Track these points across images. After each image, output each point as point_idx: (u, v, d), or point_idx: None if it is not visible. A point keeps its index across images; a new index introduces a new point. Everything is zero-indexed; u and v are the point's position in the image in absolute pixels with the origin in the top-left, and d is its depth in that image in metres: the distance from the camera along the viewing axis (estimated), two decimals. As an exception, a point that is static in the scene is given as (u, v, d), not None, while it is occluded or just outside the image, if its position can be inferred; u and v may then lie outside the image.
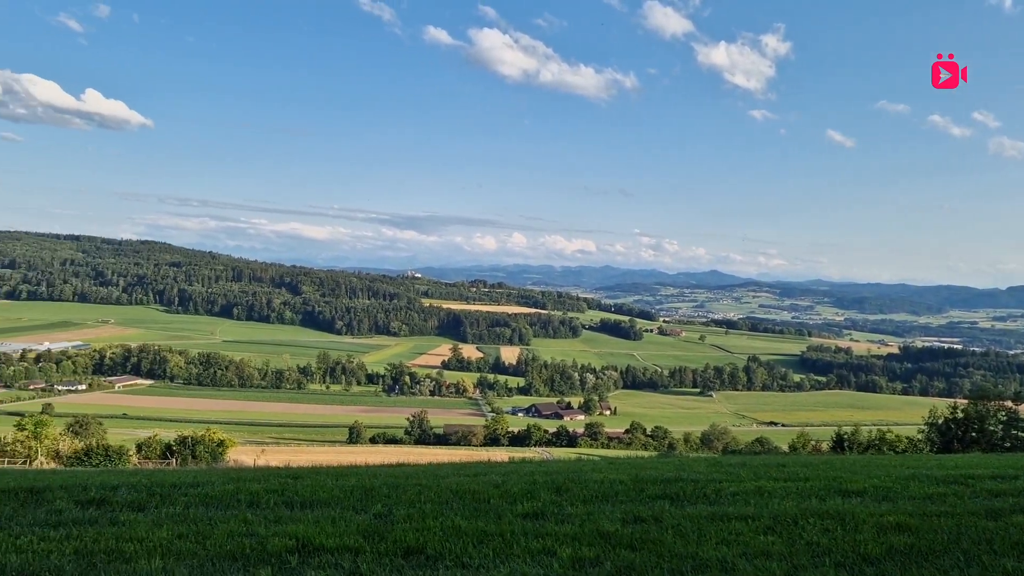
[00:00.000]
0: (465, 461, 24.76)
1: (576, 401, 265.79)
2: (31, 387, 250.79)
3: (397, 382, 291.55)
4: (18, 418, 69.58)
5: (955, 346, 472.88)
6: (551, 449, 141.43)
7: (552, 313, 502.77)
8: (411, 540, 8.19)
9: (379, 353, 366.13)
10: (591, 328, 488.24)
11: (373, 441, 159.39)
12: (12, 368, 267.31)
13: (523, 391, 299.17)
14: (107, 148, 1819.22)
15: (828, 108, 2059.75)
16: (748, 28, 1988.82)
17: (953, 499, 11.38)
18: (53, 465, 50.78)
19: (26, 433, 58.40)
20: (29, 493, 11.69)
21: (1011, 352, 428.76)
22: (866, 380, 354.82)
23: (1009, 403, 45.06)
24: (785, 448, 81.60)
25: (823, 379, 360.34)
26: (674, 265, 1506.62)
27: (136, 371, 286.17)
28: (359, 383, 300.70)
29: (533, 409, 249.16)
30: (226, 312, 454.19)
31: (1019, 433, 42.37)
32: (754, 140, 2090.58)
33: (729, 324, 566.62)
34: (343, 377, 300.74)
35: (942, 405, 47.20)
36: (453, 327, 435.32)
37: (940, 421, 44.86)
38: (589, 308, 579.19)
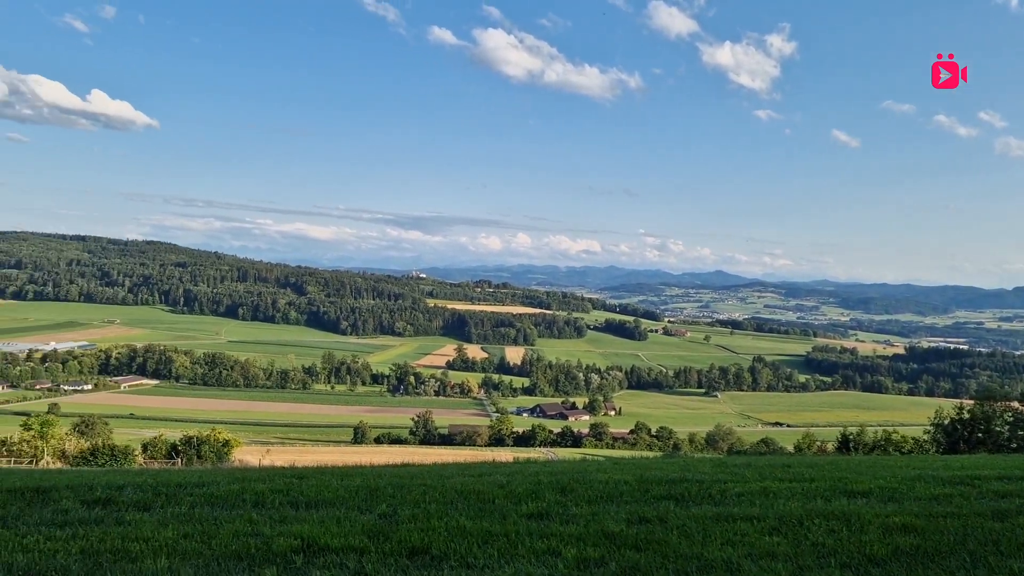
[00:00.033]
0: (470, 461, 24.76)
1: (581, 401, 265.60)
2: (37, 387, 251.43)
3: (402, 382, 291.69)
4: (24, 418, 69.86)
5: (961, 346, 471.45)
6: (556, 449, 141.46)
7: (557, 313, 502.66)
8: (416, 540, 8.20)
9: (384, 353, 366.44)
10: (596, 328, 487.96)
11: (378, 441, 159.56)
12: (18, 368, 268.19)
13: (528, 391, 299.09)
14: (113, 149, 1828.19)
15: (833, 108, 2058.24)
16: (753, 28, 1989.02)
17: (959, 500, 11.35)
18: (59, 465, 50.95)
19: (32, 433, 58.61)
20: (35, 493, 11.73)
21: (1017, 352, 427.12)
22: (872, 381, 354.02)
23: (1016, 404, 44.81)
24: (790, 449, 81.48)
25: (828, 379, 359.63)
26: (679, 265, 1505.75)
27: (142, 371, 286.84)
28: (364, 383, 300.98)
29: (538, 409, 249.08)
30: (231, 312, 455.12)
31: (1026, 434, 42.19)
32: (759, 140, 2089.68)
33: (734, 324, 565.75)
34: (348, 377, 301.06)
35: (948, 406, 46.95)
36: (458, 327, 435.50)
37: (946, 422, 44.66)
38: (594, 308, 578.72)
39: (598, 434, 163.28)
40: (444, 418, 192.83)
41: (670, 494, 11.83)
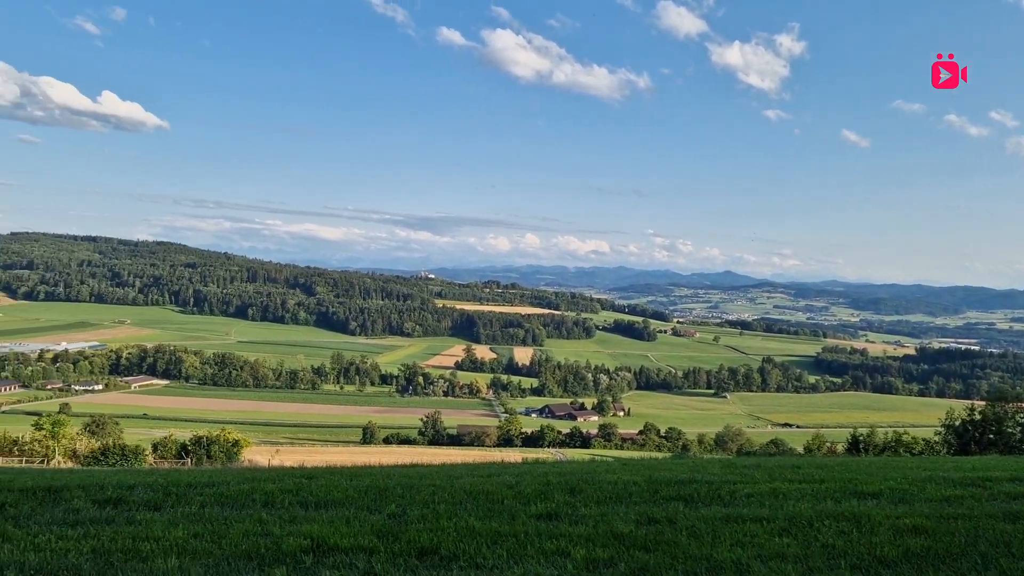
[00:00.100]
0: (478, 462, 24.77)
1: (589, 402, 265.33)
2: (48, 387, 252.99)
3: (410, 383, 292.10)
4: (36, 418, 70.33)
5: (972, 347, 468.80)
6: (564, 450, 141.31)
7: (565, 314, 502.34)
8: (425, 540, 8.21)
9: (393, 354, 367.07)
10: (604, 329, 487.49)
11: (387, 441, 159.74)
12: (30, 368, 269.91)
13: (536, 392, 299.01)
14: (123, 150, 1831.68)
15: (843, 108, 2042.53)
16: (762, 28, 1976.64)
17: (970, 501, 11.30)
18: (70, 464, 51.23)
19: (44, 433, 59.00)
20: (47, 492, 11.80)
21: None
22: (882, 381, 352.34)
23: (1027, 405, 44.58)
24: (800, 450, 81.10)
25: (838, 380, 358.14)
26: (688, 266, 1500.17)
27: (152, 371, 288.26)
28: (373, 384, 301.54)
29: (546, 410, 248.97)
30: (241, 313, 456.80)
31: (1037, 435, 41.94)
32: (768, 140, 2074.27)
33: (743, 325, 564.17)
34: (357, 378, 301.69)
35: (959, 407, 46.74)
36: (466, 328, 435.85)
37: (957, 423, 44.44)
38: (603, 309, 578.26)
39: (607, 435, 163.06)
40: (453, 418, 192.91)
41: (679, 495, 11.81)
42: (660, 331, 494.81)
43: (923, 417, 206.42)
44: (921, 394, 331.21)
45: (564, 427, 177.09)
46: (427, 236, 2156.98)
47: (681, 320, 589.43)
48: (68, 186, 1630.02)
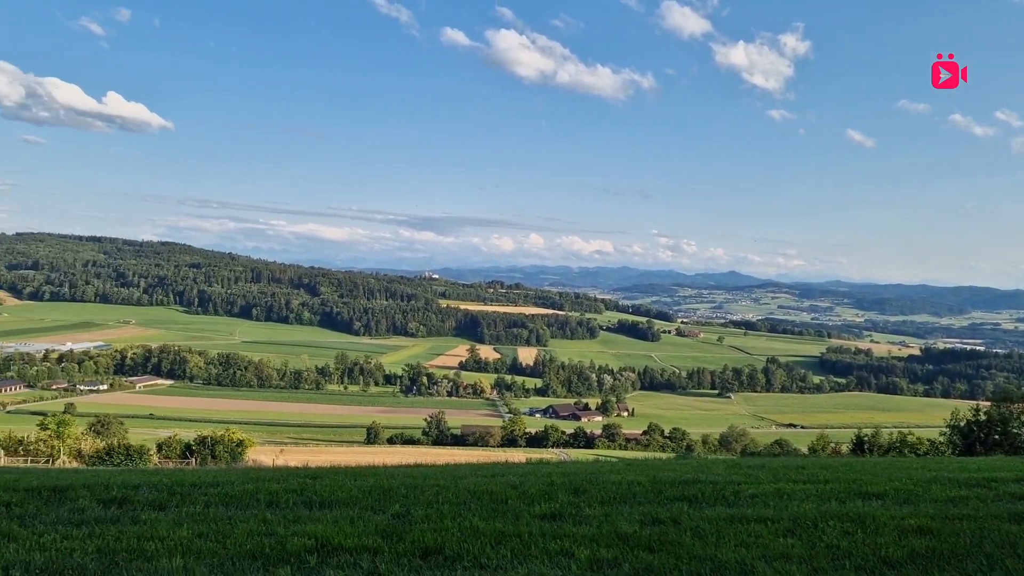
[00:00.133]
0: (483, 462, 24.77)
1: (593, 402, 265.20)
2: (54, 387, 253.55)
3: (415, 383, 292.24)
4: (41, 418, 70.46)
5: (977, 347, 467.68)
6: (568, 450, 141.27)
7: (569, 314, 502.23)
8: (429, 540, 8.21)
9: (397, 354, 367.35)
10: (608, 329, 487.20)
11: (391, 442, 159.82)
12: (35, 368, 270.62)
13: (540, 392, 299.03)
14: (128, 150, 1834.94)
15: (848, 108, 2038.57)
16: (767, 28, 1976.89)
17: (976, 502, 11.27)
18: (75, 464, 51.36)
19: (49, 432, 59.13)
20: (52, 492, 11.83)
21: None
22: (887, 382, 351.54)
23: (1033, 405, 44.44)
24: (804, 450, 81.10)
25: (843, 381, 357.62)
26: (692, 266, 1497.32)
27: (156, 371, 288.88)
28: (377, 384, 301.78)
29: (550, 410, 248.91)
30: (245, 313, 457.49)
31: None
32: (773, 140, 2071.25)
33: (748, 325, 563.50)
34: (361, 378, 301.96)
35: (964, 407, 46.65)
36: (470, 328, 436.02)
37: (962, 423, 44.37)
38: (607, 309, 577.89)
39: (611, 435, 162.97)
40: (457, 419, 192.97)
41: (683, 495, 11.80)
42: (664, 331, 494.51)
43: (928, 418, 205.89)
44: (926, 394, 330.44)
45: (568, 427, 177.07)
46: (431, 236, 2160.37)
47: (685, 320, 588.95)
48: (73, 186, 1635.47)
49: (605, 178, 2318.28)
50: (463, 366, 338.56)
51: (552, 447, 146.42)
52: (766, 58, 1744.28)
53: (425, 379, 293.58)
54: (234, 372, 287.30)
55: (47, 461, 52.28)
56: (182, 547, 7.94)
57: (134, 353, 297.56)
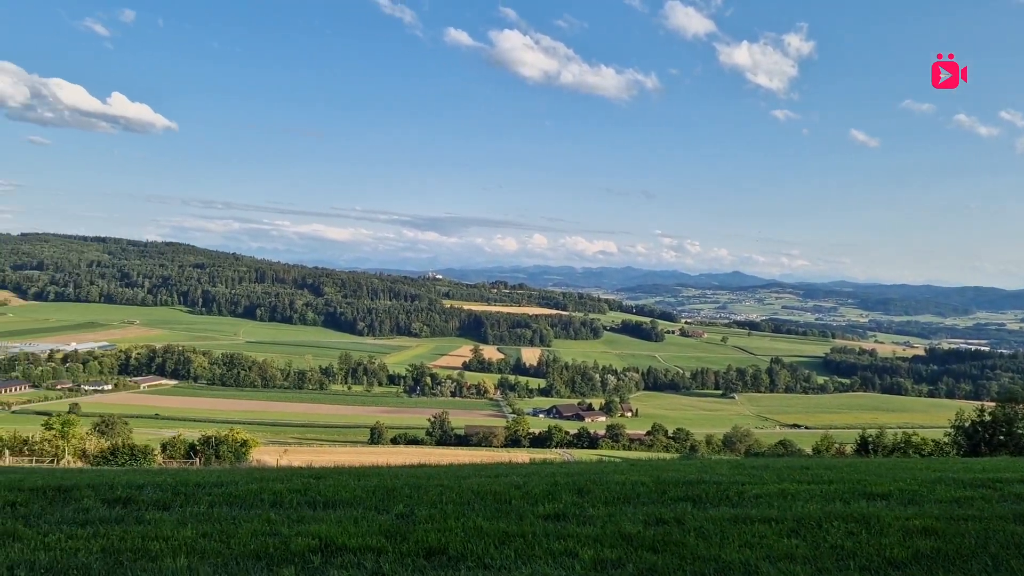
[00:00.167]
0: (486, 462, 24.77)
1: (597, 402, 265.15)
2: (58, 387, 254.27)
3: (418, 383, 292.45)
4: (46, 417, 70.64)
5: (982, 348, 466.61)
6: (572, 450, 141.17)
7: (573, 314, 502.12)
8: (433, 541, 8.21)
9: (400, 354, 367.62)
10: (612, 329, 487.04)
11: (394, 442, 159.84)
12: (40, 368, 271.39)
13: (544, 392, 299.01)
14: (132, 151, 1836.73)
15: (852, 108, 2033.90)
16: (771, 28, 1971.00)
17: (981, 503, 11.24)
18: (80, 464, 51.46)
19: (54, 432, 59.25)
20: (57, 492, 11.85)
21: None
22: (891, 382, 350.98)
23: (1038, 406, 44.32)
24: (809, 450, 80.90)
25: (847, 381, 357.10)
26: (696, 266, 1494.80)
27: (161, 371, 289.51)
28: (380, 384, 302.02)
29: (554, 410, 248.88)
30: (249, 313, 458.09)
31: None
32: (777, 140, 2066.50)
33: (752, 325, 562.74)
34: (364, 378, 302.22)
35: (969, 408, 46.59)
36: (474, 328, 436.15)
37: (967, 424, 44.31)
38: (610, 309, 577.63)
39: (614, 435, 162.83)
40: (460, 419, 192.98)
41: (687, 496, 11.79)
42: (668, 331, 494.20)
43: (932, 418, 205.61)
44: (931, 395, 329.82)
45: (572, 428, 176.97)
46: (434, 236, 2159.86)
47: (689, 320, 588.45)
48: (77, 187, 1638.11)
49: (609, 178, 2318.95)
50: (467, 366, 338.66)
51: (556, 447, 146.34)
52: (770, 58, 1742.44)
53: (429, 379, 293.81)
54: (238, 372, 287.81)
55: (52, 461, 52.40)
56: (186, 547, 7.95)
57: (138, 353, 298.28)
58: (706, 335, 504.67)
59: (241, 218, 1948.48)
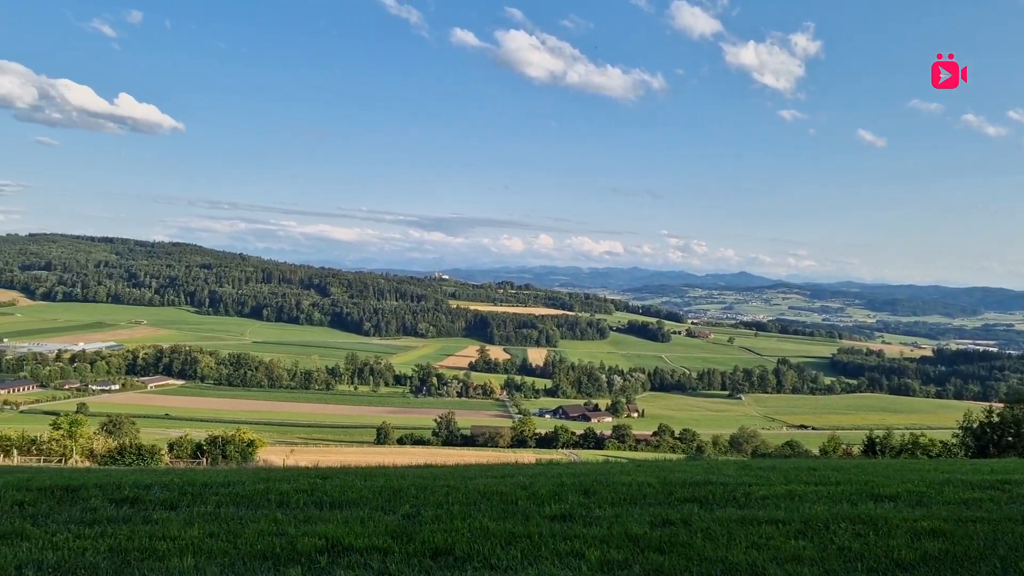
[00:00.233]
0: (492, 462, 24.78)
1: (603, 403, 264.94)
2: (66, 387, 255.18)
3: (424, 383, 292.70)
4: (54, 417, 70.84)
5: (990, 348, 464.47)
6: (578, 451, 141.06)
7: (579, 315, 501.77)
8: (439, 541, 8.21)
9: (406, 354, 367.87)
10: (618, 330, 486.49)
11: (401, 442, 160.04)
12: (48, 368, 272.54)
13: (550, 393, 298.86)
14: (139, 152, 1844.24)
15: (859, 107, 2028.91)
16: (777, 27, 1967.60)
17: (989, 504, 11.19)
18: (87, 464, 51.61)
19: (61, 432, 59.39)
20: (65, 491, 11.90)
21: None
22: (898, 383, 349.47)
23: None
24: (816, 451, 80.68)
25: (854, 382, 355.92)
26: (702, 267, 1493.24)
27: (168, 371, 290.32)
28: (387, 384, 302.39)
29: (560, 411, 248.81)
30: (256, 313, 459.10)
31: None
32: (783, 140, 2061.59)
33: (758, 326, 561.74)
34: (371, 378, 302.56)
35: (977, 409, 46.25)
36: (480, 328, 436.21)
37: (975, 425, 44.03)
38: (616, 310, 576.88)
39: (621, 436, 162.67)
40: (466, 419, 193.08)
41: (694, 497, 11.77)
42: (674, 332, 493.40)
43: (940, 419, 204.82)
44: (938, 396, 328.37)
45: (578, 428, 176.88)
46: (441, 237, 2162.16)
47: (695, 321, 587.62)
48: (85, 187, 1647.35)
49: (615, 178, 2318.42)
50: (473, 367, 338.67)
51: (562, 448, 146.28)
52: (776, 58, 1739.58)
53: (435, 380, 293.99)
54: (245, 372, 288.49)
55: (60, 460, 52.56)
56: (193, 547, 7.97)
57: (146, 353, 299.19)
58: (712, 336, 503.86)
59: (248, 218, 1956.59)
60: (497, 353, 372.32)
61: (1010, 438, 41.58)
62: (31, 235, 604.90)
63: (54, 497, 11.47)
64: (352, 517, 9.71)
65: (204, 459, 59.47)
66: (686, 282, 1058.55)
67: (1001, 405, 45.20)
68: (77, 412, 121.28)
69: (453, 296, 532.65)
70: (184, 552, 7.72)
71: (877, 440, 51.85)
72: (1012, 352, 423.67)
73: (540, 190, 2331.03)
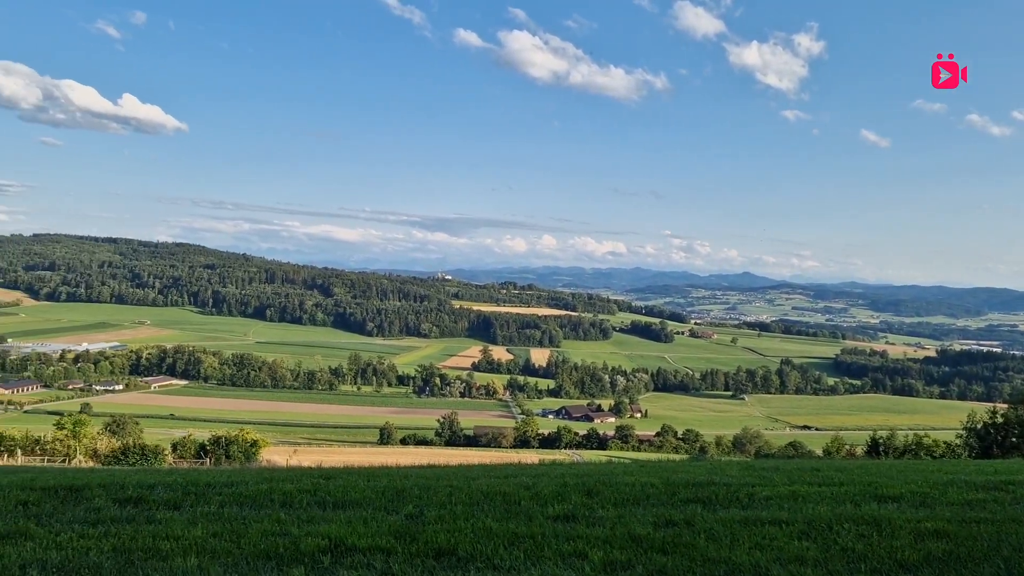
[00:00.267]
0: (495, 463, 24.78)
1: (606, 403, 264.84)
2: (70, 387, 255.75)
3: (427, 383, 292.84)
4: (57, 417, 70.98)
5: (994, 349, 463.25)
6: (581, 451, 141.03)
7: (582, 315, 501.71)
8: (442, 541, 8.22)
9: (409, 355, 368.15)
10: (621, 330, 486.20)
11: (404, 442, 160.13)
12: (52, 368, 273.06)
13: (553, 393, 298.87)
14: (143, 152, 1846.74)
15: (862, 107, 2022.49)
16: (780, 28, 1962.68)
17: (993, 505, 11.17)
18: (91, 464, 51.70)
19: (65, 432, 59.52)
20: (69, 491, 11.92)
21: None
22: (902, 384, 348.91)
23: (1051, 408, 44.00)
24: (819, 452, 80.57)
25: (858, 382, 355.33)
26: (706, 267, 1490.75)
27: (171, 372, 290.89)
28: (390, 384, 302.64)
29: (563, 411, 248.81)
30: (259, 314, 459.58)
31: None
32: (787, 141, 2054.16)
33: (761, 326, 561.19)
34: (374, 378, 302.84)
35: (981, 409, 46.18)
36: (483, 329, 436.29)
37: (979, 426, 43.96)
38: (619, 310, 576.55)
39: (624, 436, 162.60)
40: (469, 419, 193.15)
41: (697, 497, 11.76)
42: (677, 332, 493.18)
43: (944, 420, 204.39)
44: (942, 396, 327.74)
45: (581, 428, 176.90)
46: (444, 237, 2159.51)
47: (699, 321, 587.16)
48: (89, 188, 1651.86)
49: (618, 179, 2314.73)
50: (476, 367, 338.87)
51: (565, 448, 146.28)
52: (780, 58, 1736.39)
53: (438, 380, 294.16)
54: (248, 372, 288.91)
55: (63, 460, 52.66)
56: (197, 546, 7.98)
57: (149, 353, 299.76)
58: (716, 336, 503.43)
59: (251, 219, 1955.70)
60: (500, 353, 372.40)
61: (1014, 439, 41.51)
62: (35, 235, 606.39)
63: (58, 497, 11.49)
64: (355, 517, 9.72)
65: (208, 459, 59.54)
66: (689, 282, 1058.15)
67: (1005, 406, 45.18)
68: (81, 412, 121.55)
69: (456, 296, 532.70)
70: (188, 552, 7.73)
71: (881, 441, 51.75)
72: (1016, 353, 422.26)
73: (543, 190, 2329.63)
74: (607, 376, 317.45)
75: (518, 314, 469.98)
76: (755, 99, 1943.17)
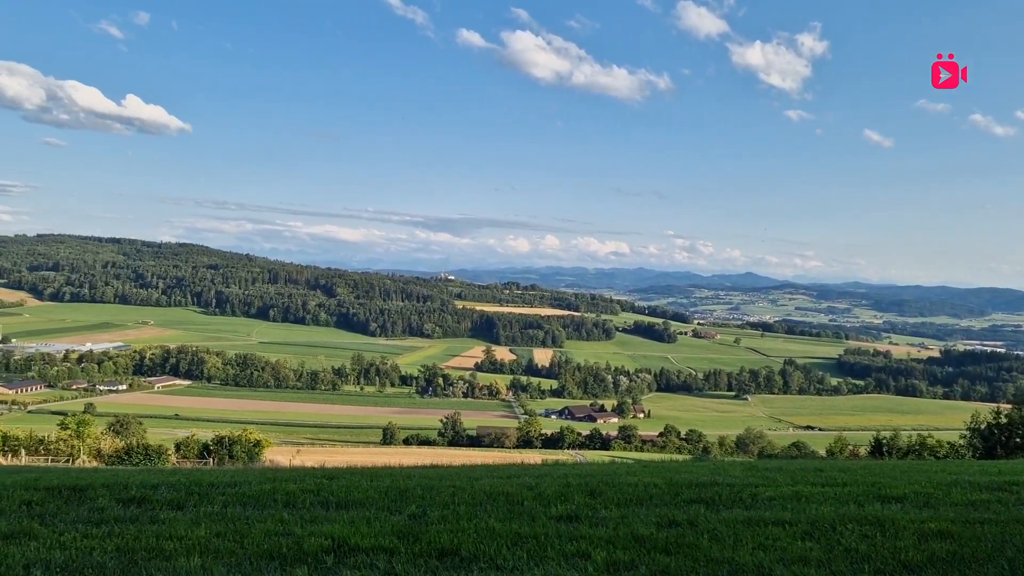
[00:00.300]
0: (498, 463, 24.79)
1: (609, 404, 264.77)
2: (74, 387, 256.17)
3: (430, 384, 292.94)
4: (61, 417, 71.20)
5: (998, 349, 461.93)
6: (584, 452, 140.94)
7: (585, 315, 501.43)
8: (445, 541, 8.22)
9: (412, 355, 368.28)
10: (624, 330, 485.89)
11: (407, 442, 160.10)
12: (55, 368, 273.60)
13: (556, 393, 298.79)
14: (147, 153, 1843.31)
15: (865, 107, 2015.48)
16: (784, 27, 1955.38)
17: (997, 506, 11.15)
18: (95, 463, 51.83)
19: (69, 432, 59.74)
20: (72, 491, 11.95)
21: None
22: (905, 384, 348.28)
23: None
24: (822, 453, 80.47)
25: (861, 383, 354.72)
26: (709, 267, 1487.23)
27: (175, 372, 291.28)
28: (393, 384, 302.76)
29: (566, 411, 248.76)
30: (262, 314, 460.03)
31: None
32: (790, 141, 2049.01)
33: (765, 327, 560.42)
34: (377, 378, 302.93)
35: (985, 410, 46.09)
36: (486, 329, 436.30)
37: (983, 426, 43.88)
38: (622, 310, 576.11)
39: (627, 436, 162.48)
40: (472, 419, 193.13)
41: (700, 498, 11.75)
42: (680, 333, 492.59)
43: (948, 420, 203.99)
44: (946, 397, 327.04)
45: (584, 429, 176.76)
46: (447, 237, 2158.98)
47: (702, 322, 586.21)
48: (92, 188, 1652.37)
49: (620, 179, 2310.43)
50: (479, 367, 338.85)
51: (568, 448, 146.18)
52: (783, 58, 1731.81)
53: (441, 380, 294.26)
54: (251, 373, 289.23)
55: (67, 460, 52.79)
56: (200, 546, 7.99)
57: (152, 354, 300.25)
58: (719, 336, 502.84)
59: (254, 219, 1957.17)
60: (503, 354, 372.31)
61: (1018, 439, 41.44)
62: (39, 236, 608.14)
63: (61, 497, 11.52)
64: (358, 517, 9.73)
65: (211, 459, 59.67)
66: (692, 283, 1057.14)
67: (1009, 406, 45.03)
68: (84, 412, 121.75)
69: (459, 297, 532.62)
70: (191, 552, 7.74)
71: (884, 441, 51.76)
72: (1020, 353, 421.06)
73: (546, 191, 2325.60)
74: (610, 376, 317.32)
75: (521, 314, 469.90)
76: (758, 99, 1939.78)
